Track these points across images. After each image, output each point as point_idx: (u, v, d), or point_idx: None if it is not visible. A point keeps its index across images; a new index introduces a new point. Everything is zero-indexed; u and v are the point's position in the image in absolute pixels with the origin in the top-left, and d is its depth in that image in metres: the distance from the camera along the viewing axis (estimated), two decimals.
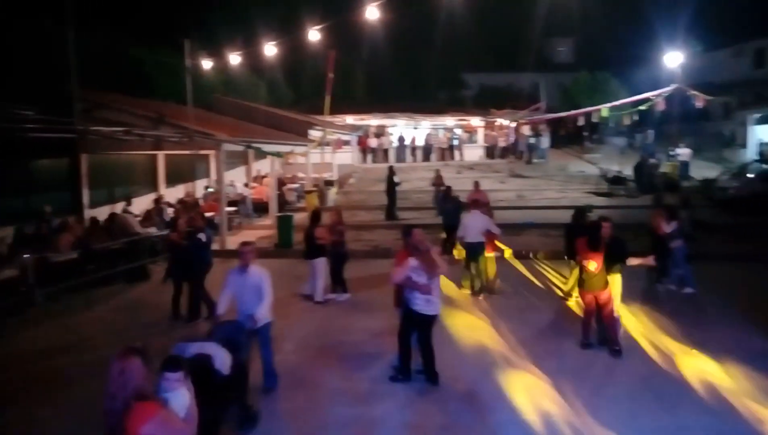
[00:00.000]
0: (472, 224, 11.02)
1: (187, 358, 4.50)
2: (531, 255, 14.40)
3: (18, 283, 10.77)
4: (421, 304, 6.89)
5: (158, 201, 17.01)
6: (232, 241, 16.09)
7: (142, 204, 17.14)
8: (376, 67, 38.61)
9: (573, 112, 27.45)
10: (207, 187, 20.67)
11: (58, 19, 13.69)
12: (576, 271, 8.83)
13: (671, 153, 25.73)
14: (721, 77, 34.69)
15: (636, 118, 26.16)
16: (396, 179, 19.57)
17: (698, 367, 7.43)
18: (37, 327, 9.79)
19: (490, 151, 33.39)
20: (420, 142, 33.06)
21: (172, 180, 19.67)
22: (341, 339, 8.76)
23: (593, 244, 7.71)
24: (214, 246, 14.90)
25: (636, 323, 9.10)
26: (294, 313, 10.14)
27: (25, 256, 10.95)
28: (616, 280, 8.10)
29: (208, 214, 16.26)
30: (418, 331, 7.06)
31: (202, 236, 10.05)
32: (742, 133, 31.47)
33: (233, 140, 16.28)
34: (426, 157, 32.45)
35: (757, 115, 30.74)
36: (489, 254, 11.13)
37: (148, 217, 15.99)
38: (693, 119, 31.12)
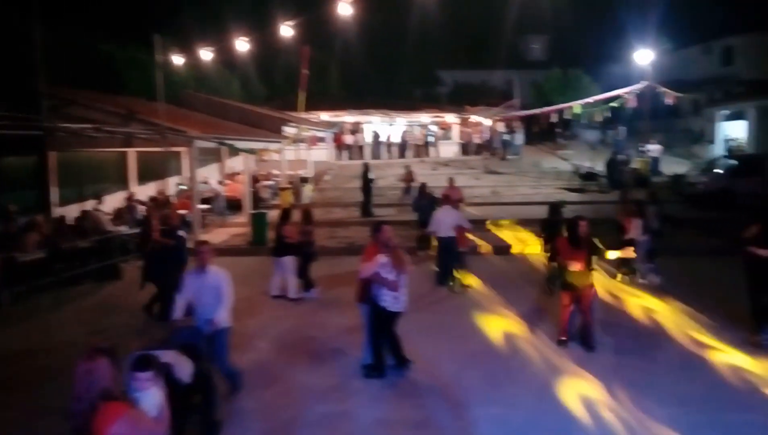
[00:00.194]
0: (444, 219, 11.13)
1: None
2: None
3: None
4: (388, 300, 6.91)
5: (130, 199, 16.75)
6: (206, 239, 15.94)
7: (113, 202, 16.85)
8: (350, 64, 38.51)
9: (546, 108, 27.76)
10: (179, 185, 20.41)
11: (25, 13, 13.38)
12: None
13: (642, 149, 26.15)
14: (690, 75, 35.36)
15: (608, 114, 26.55)
16: (371, 176, 19.55)
17: (666, 357, 7.58)
18: (2, 329, 9.56)
19: (465, 148, 33.55)
20: (395, 138, 33.08)
21: (144, 177, 19.37)
22: (314, 336, 8.73)
23: (574, 243, 7.74)
24: (188, 244, 14.82)
25: (609, 317, 9.23)
26: (267, 310, 10.09)
27: None
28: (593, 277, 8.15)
29: (180, 212, 16.06)
30: (384, 326, 7.10)
31: (183, 233, 9.93)
32: (710, 129, 32.13)
33: (205, 137, 16.10)
34: (401, 154, 32.47)
35: (725, 112, 31.41)
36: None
37: (119, 216, 15.73)
38: (663, 116, 31.69)
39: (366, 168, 19.76)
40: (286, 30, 16.32)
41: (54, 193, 14.85)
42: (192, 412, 5.44)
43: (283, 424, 6.13)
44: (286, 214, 11.17)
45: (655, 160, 25.84)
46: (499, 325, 9.03)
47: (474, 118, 34.33)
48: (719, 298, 9.91)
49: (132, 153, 18.45)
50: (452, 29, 40.36)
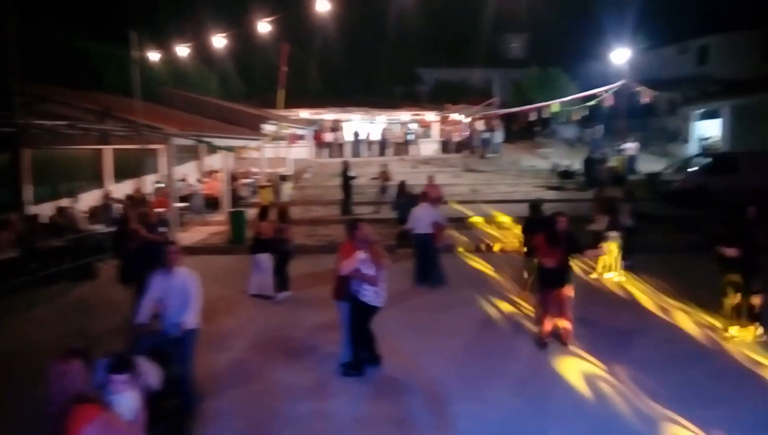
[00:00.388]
0: (422, 216, 11.19)
1: (100, 385, 4.13)
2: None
3: None
4: (370, 295, 6.97)
5: (106, 197, 16.52)
6: (183, 238, 15.80)
7: (88, 200, 16.61)
8: (330, 62, 38.37)
9: (525, 107, 27.92)
10: (157, 183, 20.18)
11: None
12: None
13: (618, 147, 26.46)
14: (666, 74, 35.84)
15: (585, 113, 26.81)
16: (352, 173, 19.51)
17: (644, 353, 7.68)
18: None
19: (445, 146, 33.65)
20: (376, 136, 33.07)
21: (120, 175, 19.10)
22: (292, 335, 8.70)
23: (551, 240, 7.74)
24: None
25: (586, 314, 9.32)
26: (244, 309, 10.03)
27: None
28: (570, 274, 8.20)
29: (157, 210, 15.88)
30: (364, 321, 7.13)
31: (164, 229, 9.77)
32: (686, 128, 32.61)
33: (183, 134, 15.93)
34: (382, 152, 32.47)
35: (700, 111, 31.90)
36: None
37: (94, 214, 15.51)
38: (639, 114, 32.08)
39: (345, 166, 19.72)
40: (265, 27, 16.20)
41: (28, 192, 14.57)
42: (163, 421, 5.19)
43: (259, 423, 6.10)
44: (263, 211, 11.11)
45: (632, 159, 26.15)
46: (478, 322, 9.07)
47: (454, 116, 34.43)
48: (694, 294, 10.08)
49: (108, 150, 18.18)
50: (432, 28, 40.49)
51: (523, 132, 33.95)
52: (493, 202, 20.88)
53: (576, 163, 25.59)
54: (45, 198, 15.46)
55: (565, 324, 7.93)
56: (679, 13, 35.52)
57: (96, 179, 18.21)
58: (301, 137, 30.64)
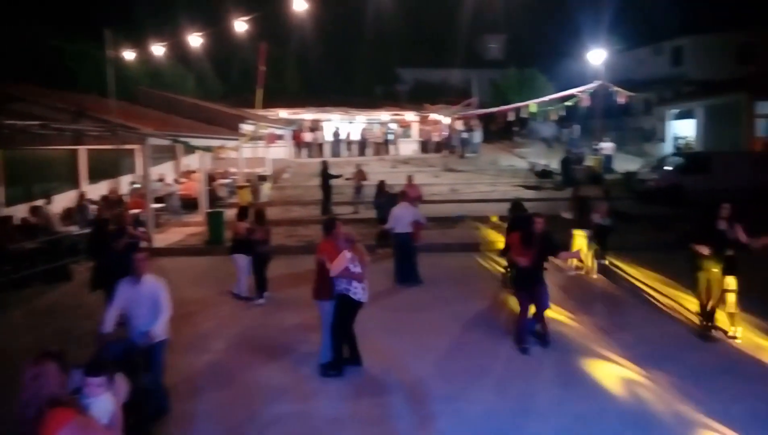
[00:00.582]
0: (402, 215, 11.23)
1: (75, 389, 4.03)
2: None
3: None
4: (359, 292, 7.10)
5: (81, 198, 16.27)
6: (160, 239, 15.64)
7: (62, 201, 16.34)
8: (309, 61, 38.26)
9: (503, 107, 28.12)
10: (132, 183, 19.93)
11: None
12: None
13: (595, 147, 26.78)
14: (641, 74, 36.34)
15: (563, 113, 27.10)
16: (335, 172, 19.51)
17: (620, 350, 7.78)
18: None
19: (425, 146, 33.74)
20: (355, 136, 33.04)
21: (96, 176, 18.82)
22: (270, 336, 8.65)
23: (526, 239, 7.78)
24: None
25: (560, 311, 9.42)
26: (223, 311, 9.95)
27: None
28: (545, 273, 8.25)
29: (133, 211, 15.69)
30: (351, 318, 7.19)
31: (141, 230, 9.62)
32: (661, 127, 33.12)
33: (159, 134, 15.75)
34: (361, 152, 32.45)
35: (675, 111, 32.42)
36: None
37: (68, 215, 15.27)
38: (616, 114, 32.52)
39: (325, 166, 19.67)
40: (241, 25, 16.08)
41: (0, 193, 14.30)
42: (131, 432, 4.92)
43: (237, 424, 6.06)
44: (242, 211, 11.02)
45: (608, 158, 26.50)
46: (458, 321, 9.10)
47: (433, 116, 34.55)
48: (668, 291, 10.24)
49: (83, 151, 17.91)
50: (411, 28, 40.60)
51: (502, 132, 34.22)
52: (472, 201, 21.00)
53: (553, 163, 25.84)
54: (18, 199, 15.18)
55: (541, 322, 7.98)
56: (654, 14, 36.07)
57: (70, 180, 17.92)
58: (279, 137, 30.49)
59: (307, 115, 32.96)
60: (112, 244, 9.33)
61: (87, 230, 13.86)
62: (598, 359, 7.53)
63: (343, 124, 33.30)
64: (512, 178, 25.72)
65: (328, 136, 32.68)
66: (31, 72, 20.39)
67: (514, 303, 8.42)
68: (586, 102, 25.60)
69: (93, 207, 15.89)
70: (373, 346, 7.48)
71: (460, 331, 8.68)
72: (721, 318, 8.24)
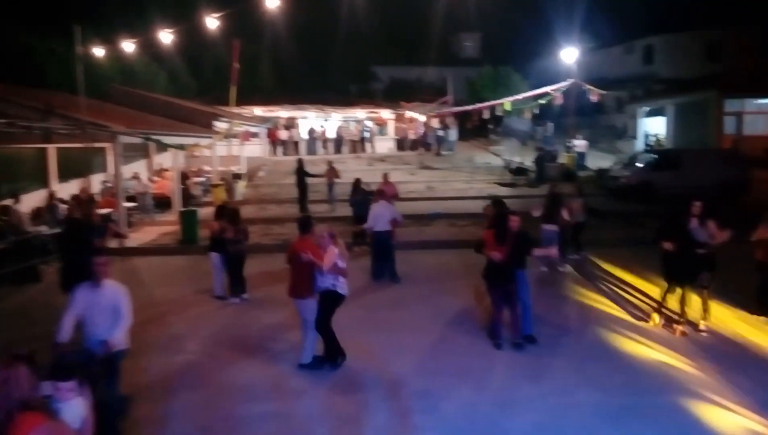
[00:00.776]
0: (381, 214, 11.25)
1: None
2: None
3: None
4: (344, 287, 7.25)
5: (51, 197, 15.94)
6: (132, 238, 15.43)
7: (31, 201, 15.99)
8: (284, 59, 38.08)
9: (478, 105, 28.30)
10: (104, 182, 19.62)
11: None
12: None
13: (568, 144, 27.10)
14: (613, 73, 36.89)
15: (536, 111, 27.37)
16: (312, 171, 19.40)
17: (592, 346, 7.90)
18: None
19: (401, 144, 33.81)
20: (331, 134, 32.95)
21: (66, 175, 18.45)
22: (246, 335, 8.59)
23: (500, 236, 7.82)
24: (112, 244, 14.27)
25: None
26: (197, 311, 9.83)
27: None
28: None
29: (105, 210, 15.46)
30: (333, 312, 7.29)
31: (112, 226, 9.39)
32: (633, 125, 33.67)
33: (131, 132, 15.52)
34: (337, 150, 32.38)
35: (646, 109, 32.98)
36: None
37: (38, 215, 14.95)
38: (588, 112, 32.96)
39: (300, 164, 19.58)
40: (213, 22, 15.89)
41: None
42: None
43: (212, 425, 6.00)
44: (218, 210, 10.92)
45: (581, 155, 26.85)
46: (436, 318, 9.14)
47: (409, 114, 34.64)
48: (633, 285, 10.42)
49: (52, 149, 17.55)
50: (387, 26, 40.61)
51: (477, 130, 34.41)
52: (448, 198, 21.10)
53: (528, 160, 26.08)
54: None
55: (513, 320, 7.91)
56: (626, 13, 36.64)
57: (40, 179, 17.56)
58: (254, 135, 30.29)
59: (282, 113, 32.81)
60: (93, 241, 9.19)
61: (57, 230, 13.64)
62: (573, 353, 7.63)
63: (318, 122, 33.19)
64: (488, 175, 25.90)
65: (303, 133, 32.54)
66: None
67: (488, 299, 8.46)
68: (559, 100, 25.87)
69: (63, 206, 15.58)
70: (351, 343, 7.46)
71: (438, 327, 8.71)
72: (691, 312, 8.41)
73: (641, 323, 8.68)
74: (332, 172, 19.54)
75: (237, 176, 23.32)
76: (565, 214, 11.56)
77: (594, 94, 26.61)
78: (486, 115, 27.05)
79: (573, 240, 12.37)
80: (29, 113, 14.37)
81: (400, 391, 6.65)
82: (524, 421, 5.94)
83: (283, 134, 32.08)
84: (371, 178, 17.74)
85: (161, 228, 17.10)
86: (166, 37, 17.03)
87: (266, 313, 9.46)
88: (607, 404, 6.25)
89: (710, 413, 6.02)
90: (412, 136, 33.59)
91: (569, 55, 26.87)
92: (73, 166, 18.91)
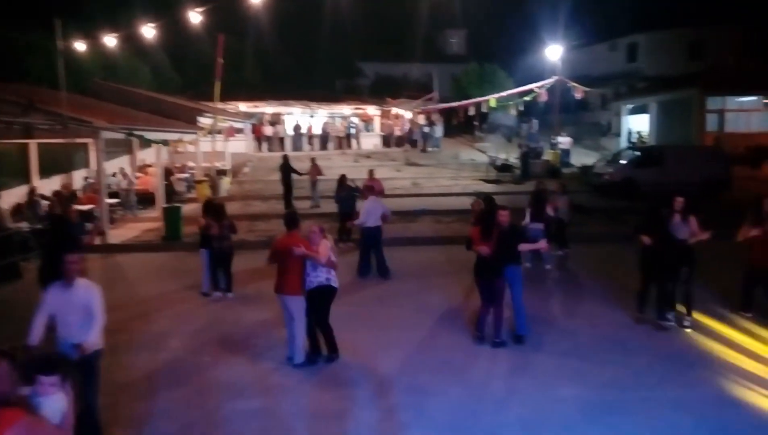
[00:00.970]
0: (373, 210, 11.30)
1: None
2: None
3: None
4: (336, 280, 7.32)
5: (32, 193, 15.74)
6: (115, 235, 15.28)
7: (12, 197, 15.78)
8: (269, 54, 37.89)
9: (464, 102, 28.39)
10: (86, 178, 19.40)
11: None
12: None
13: (553, 141, 27.25)
14: (597, 70, 37.16)
15: (521, 108, 27.51)
16: (297, 167, 19.31)
17: (576, 342, 7.95)
18: None
19: (387, 140, 33.79)
20: (317, 130, 32.83)
21: (48, 171, 18.24)
22: (230, 332, 8.53)
23: (486, 231, 7.82)
24: (96, 241, 14.13)
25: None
26: (181, 308, 9.76)
27: None
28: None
29: (87, 207, 15.28)
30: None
31: (87, 226, 9.31)
32: (616, 122, 33.94)
33: (113, 128, 15.34)
34: (323, 146, 32.28)
35: (630, 106, 33.25)
36: None
37: (18, 211, 14.76)
38: (573, 109, 33.19)
39: (285, 160, 19.50)
40: (196, 16, 15.75)
41: None
42: None
43: (196, 422, 5.96)
44: (205, 206, 10.86)
45: (566, 152, 27.00)
46: (421, 314, 9.14)
47: (395, 110, 34.62)
48: (616, 281, 10.50)
49: (33, 145, 17.34)
50: (373, 22, 40.57)
51: (463, 126, 34.52)
52: (434, 195, 21.13)
53: (513, 157, 26.18)
54: None
55: (495, 318, 7.84)
56: (610, 11, 36.91)
57: (21, 175, 17.35)
58: (239, 131, 30.12)
59: (267, 109, 32.63)
60: (79, 238, 9.09)
61: (38, 226, 13.48)
62: (554, 348, 7.67)
63: (304, 118, 33.06)
64: (473, 172, 25.97)
65: (289, 129, 32.39)
66: None
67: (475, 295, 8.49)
68: (544, 97, 26.03)
69: (45, 203, 15.40)
70: (337, 340, 7.44)
71: (424, 324, 8.71)
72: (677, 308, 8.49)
73: (624, 319, 8.75)
74: (315, 169, 19.47)
75: (221, 172, 23.18)
76: (549, 210, 11.63)
77: (578, 92, 26.82)
78: (471, 111, 27.14)
79: (558, 236, 12.44)
80: (10, 108, 14.13)
81: (387, 387, 6.65)
82: (509, 417, 5.96)
83: (268, 130, 31.90)
84: (357, 174, 17.70)
85: (144, 224, 16.96)
86: (148, 31, 16.87)
87: (251, 310, 9.41)
88: (591, 399, 6.28)
89: (694, 408, 6.08)
90: (397, 132, 33.58)
91: (554, 52, 27.01)
92: (55, 162, 18.69)
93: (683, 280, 8.37)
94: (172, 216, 15.08)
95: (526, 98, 26.33)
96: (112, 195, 17.63)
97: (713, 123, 28.21)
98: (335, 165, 24.75)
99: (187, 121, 22.23)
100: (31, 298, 10.02)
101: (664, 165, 19.96)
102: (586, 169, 23.72)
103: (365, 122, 34.33)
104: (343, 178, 14.73)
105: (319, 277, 7.15)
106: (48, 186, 17.38)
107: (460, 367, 7.18)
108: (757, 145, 25.21)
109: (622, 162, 21.62)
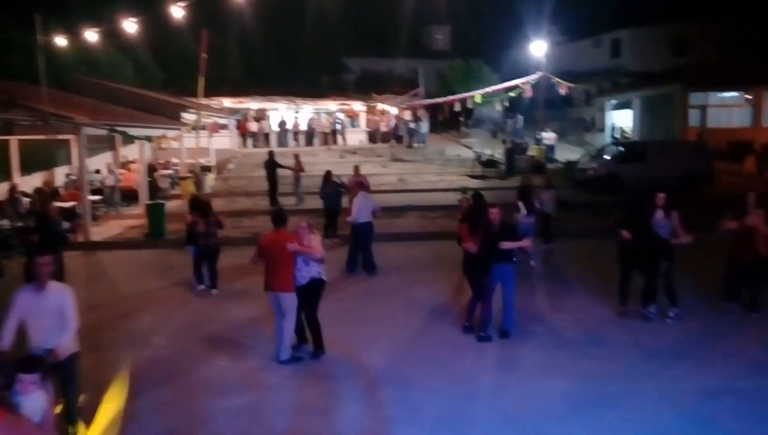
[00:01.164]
0: (365, 205, 11.31)
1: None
2: None
3: None
4: (324, 273, 7.33)
5: (13, 191, 15.53)
6: (98, 232, 15.13)
7: None
8: (253, 50, 37.65)
9: (450, 97, 28.39)
10: (69, 175, 19.18)
11: None
12: None
13: (538, 137, 27.38)
14: (582, 66, 37.37)
15: (507, 104, 27.58)
16: (283, 162, 19.23)
17: (560, 336, 8.00)
18: None
19: (372, 136, 33.73)
20: (302, 126, 32.70)
21: (28, 167, 18.01)
22: (215, 329, 8.48)
23: (472, 227, 7.84)
24: (78, 238, 13.99)
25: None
26: (165, 305, 9.68)
27: None
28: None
29: (69, 204, 15.11)
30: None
31: (65, 224, 9.21)
32: (600, 118, 34.17)
33: (95, 124, 15.16)
34: (309, 142, 32.17)
35: (614, 102, 33.49)
36: None
37: None
38: (557, 105, 33.36)
39: (271, 156, 19.40)
40: (178, 12, 15.59)
41: None
42: None
43: (181, 420, 5.92)
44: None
45: (551, 148, 27.15)
46: (407, 309, 9.15)
47: (381, 106, 34.57)
48: (600, 275, 10.58)
49: (14, 141, 17.10)
50: (358, 17, 40.47)
51: (448, 122, 34.55)
52: (420, 191, 21.14)
53: (498, 153, 26.27)
54: None
55: (482, 313, 7.88)
56: (594, 7, 37.11)
57: (1, 172, 17.11)
58: (223, 126, 29.93)
59: (252, 104, 32.44)
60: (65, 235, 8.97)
61: (19, 224, 13.30)
62: (540, 343, 7.72)
63: (289, 114, 32.90)
64: (459, 167, 26.03)
65: (274, 126, 32.22)
66: None
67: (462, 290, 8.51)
68: (528, 93, 26.12)
69: (26, 200, 15.20)
70: (324, 336, 7.43)
71: (409, 319, 8.72)
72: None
73: (608, 312, 8.81)
74: (299, 165, 19.40)
75: (206, 169, 23.02)
76: (536, 203, 11.76)
77: (563, 87, 26.94)
78: (457, 107, 27.16)
79: (543, 231, 12.51)
80: None
81: (373, 382, 6.65)
82: (495, 410, 5.98)
83: (253, 126, 31.71)
84: (343, 170, 17.65)
85: (127, 221, 16.81)
86: (131, 26, 16.67)
87: (236, 307, 9.35)
88: (575, 393, 6.32)
89: (677, 400, 6.14)
90: (383, 128, 33.53)
91: (538, 48, 27.12)
92: (37, 159, 18.46)
93: (663, 273, 8.45)
94: (155, 213, 14.95)
95: (511, 94, 26.41)
96: (95, 192, 17.44)
97: (696, 118, 28.50)
98: (321, 161, 24.72)
99: (171, 116, 22.06)
100: (12, 296, 9.93)
101: (647, 160, 20.11)
102: (570, 165, 23.84)
103: (351, 118, 34.25)
104: (328, 174, 14.68)
105: (311, 271, 7.17)
106: (29, 183, 17.15)
107: (447, 361, 7.19)
108: (739, 140, 25.51)
109: (606, 157, 21.75)
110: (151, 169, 20.62)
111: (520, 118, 32.16)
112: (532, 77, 25.70)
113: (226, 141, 29.68)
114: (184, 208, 11.08)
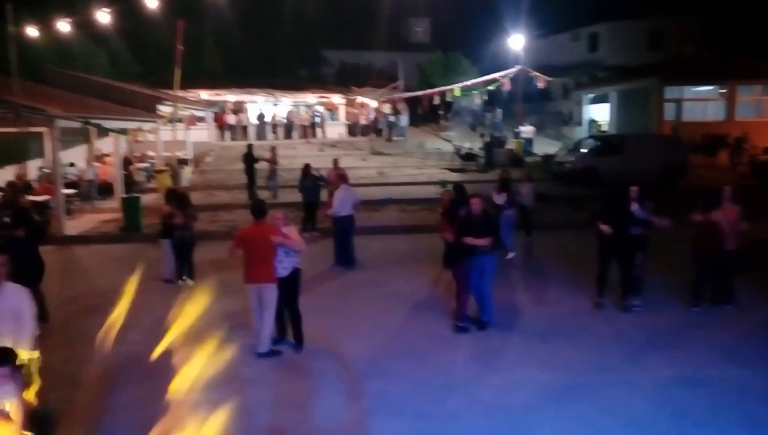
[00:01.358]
0: (346, 199, 11.32)
1: None
2: None
3: None
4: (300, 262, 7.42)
5: None
6: (72, 226, 14.89)
7: None
8: (230, 41, 37.17)
9: (429, 91, 28.43)
10: (42, 168, 18.82)
11: None
12: None
13: (516, 131, 27.52)
14: (560, 60, 37.56)
15: (485, 97, 27.66)
16: (261, 156, 19.06)
17: (543, 327, 8.07)
18: None
19: (352, 129, 33.60)
20: (281, 119, 32.45)
21: (0, 160, 17.65)
22: (192, 323, 8.36)
23: (450, 219, 7.90)
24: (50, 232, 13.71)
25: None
26: (141, 300, 9.49)
27: None
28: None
29: (42, 198, 14.84)
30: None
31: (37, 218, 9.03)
32: (578, 111, 34.43)
33: (69, 116, 14.89)
34: (288, 135, 31.95)
35: (591, 95, 33.77)
36: None
37: None
38: (536, 99, 33.51)
39: (249, 149, 19.24)
40: (153, 1, 15.36)
41: None
42: None
43: (159, 415, 5.84)
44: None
45: (529, 141, 27.31)
46: (387, 302, 9.16)
47: (360, 99, 34.44)
48: (577, 267, 10.69)
49: None
50: (336, 9, 40.16)
51: (428, 115, 34.56)
52: (399, 184, 21.13)
53: (477, 146, 26.37)
54: None
55: (458, 302, 7.94)
56: (572, 1, 37.30)
57: None
58: (200, 119, 29.58)
59: (229, 97, 32.08)
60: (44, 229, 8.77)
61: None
62: (518, 334, 7.78)
63: (267, 107, 32.63)
64: (438, 161, 26.07)
65: (252, 118, 31.92)
66: None
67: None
68: (507, 86, 26.23)
69: None
70: (304, 329, 7.40)
71: (389, 311, 8.74)
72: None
73: (585, 304, 8.91)
74: (275, 158, 19.20)
75: (183, 162, 22.74)
76: (524, 198, 11.89)
77: (541, 81, 27.11)
78: (436, 100, 27.19)
79: (522, 224, 12.59)
80: None
81: (352, 374, 6.66)
82: (472, 401, 6.02)
83: (230, 119, 31.37)
84: (322, 163, 17.58)
85: (102, 215, 16.57)
86: (105, 16, 16.38)
87: (213, 301, 9.23)
88: (552, 383, 6.39)
89: (652, 391, 6.23)
90: (363, 121, 33.42)
91: (517, 42, 27.22)
92: (9, 152, 18.08)
93: (637, 265, 8.57)
94: (131, 206, 14.76)
95: (490, 87, 26.51)
96: (69, 185, 17.14)
97: (671, 112, 28.85)
98: (300, 154, 24.56)
99: (147, 109, 21.74)
100: None
101: (624, 153, 20.33)
102: (548, 158, 24.02)
103: (330, 111, 34.05)
104: (307, 168, 14.60)
105: (292, 262, 7.21)
106: (2, 177, 16.80)
107: (426, 353, 7.22)
108: (713, 133, 25.91)
109: (584, 151, 21.96)
110: (127, 162, 20.31)
111: (499, 112, 32.28)
112: (511, 71, 25.84)
113: (203, 134, 29.36)
114: (160, 202, 10.93)
